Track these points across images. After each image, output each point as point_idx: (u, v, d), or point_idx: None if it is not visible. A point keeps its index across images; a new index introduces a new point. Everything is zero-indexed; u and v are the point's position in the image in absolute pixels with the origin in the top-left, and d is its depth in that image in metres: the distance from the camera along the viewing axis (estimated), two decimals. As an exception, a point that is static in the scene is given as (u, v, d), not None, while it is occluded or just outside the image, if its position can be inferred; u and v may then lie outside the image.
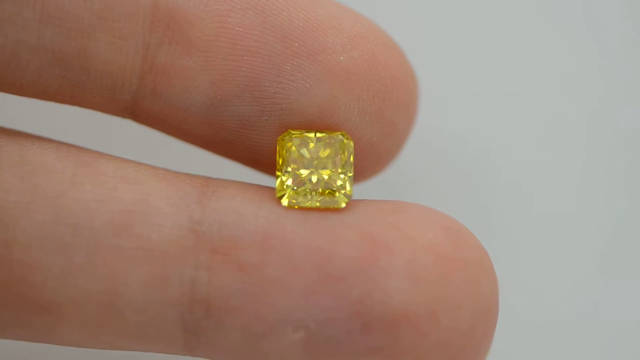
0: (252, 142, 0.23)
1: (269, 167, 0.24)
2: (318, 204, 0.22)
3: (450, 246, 0.22)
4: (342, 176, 0.22)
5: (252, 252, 0.22)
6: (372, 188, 0.26)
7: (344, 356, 0.22)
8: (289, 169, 0.22)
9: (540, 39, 0.32)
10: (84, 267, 0.22)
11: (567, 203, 0.31)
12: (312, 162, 0.22)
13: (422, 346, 0.22)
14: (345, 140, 0.22)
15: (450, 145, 0.31)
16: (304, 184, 0.22)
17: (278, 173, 0.23)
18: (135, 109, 0.23)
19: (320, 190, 0.22)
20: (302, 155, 0.22)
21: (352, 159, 0.23)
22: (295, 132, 0.23)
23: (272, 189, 0.23)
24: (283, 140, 0.22)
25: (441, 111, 0.30)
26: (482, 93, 0.31)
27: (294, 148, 0.22)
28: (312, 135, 0.22)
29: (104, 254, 0.22)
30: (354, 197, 0.23)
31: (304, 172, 0.22)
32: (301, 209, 0.22)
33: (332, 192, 0.22)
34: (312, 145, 0.22)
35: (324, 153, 0.22)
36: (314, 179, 0.22)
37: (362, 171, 0.24)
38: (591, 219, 0.31)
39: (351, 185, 0.22)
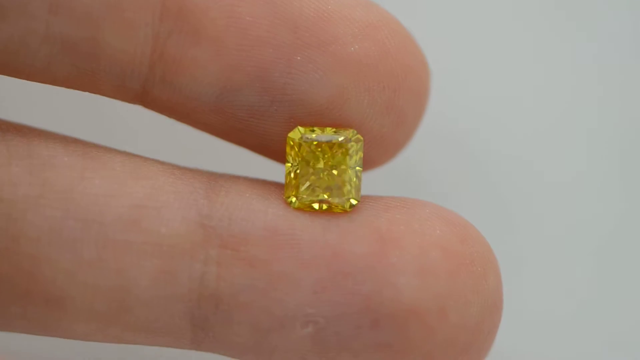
0: (261, 132, 0.23)
1: (279, 154, 0.23)
2: (326, 207, 0.22)
3: (457, 242, 0.22)
4: (350, 176, 0.22)
5: (261, 247, 0.22)
6: (378, 183, 0.26)
7: (353, 352, 0.22)
8: (297, 171, 0.22)
9: (551, 34, 0.32)
10: (93, 261, 0.22)
11: (574, 200, 0.31)
12: (320, 164, 0.22)
13: (430, 342, 0.22)
14: (354, 143, 0.22)
15: (454, 142, 0.31)
16: (312, 186, 0.22)
17: (287, 173, 0.22)
18: (145, 97, 0.23)
19: (327, 194, 0.22)
20: (311, 157, 0.22)
21: (361, 157, 0.23)
22: (305, 129, 0.22)
23: (281, 185, 0.23)
24: (292, 139, 0.22)
25: (448, 107, 0.30)
26: (488, 89, 0.31)
27: (302, 150, 0.22)
28: (321, 133, 0.22)
29: (113, 248, 0.22)
30: (362, 193, 0.23)
31: (312, 175, 0.22)
32: (309, 211, 0.22)
33: (341, 194, 0.22)
34: (320, 146, 0.22)
35: (333, 155, 0.22)
36: (323, 180, 0.22)
37: (370, 160, 0.24)
38: (595, 216, 0.31)
39: (359, 190, 0.22)
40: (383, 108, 0.23)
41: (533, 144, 0.31)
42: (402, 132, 0.24)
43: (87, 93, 0.23)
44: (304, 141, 0.22)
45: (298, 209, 0.22)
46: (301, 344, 0.22)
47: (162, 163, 0.23)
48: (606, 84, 0.31)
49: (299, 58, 0.22)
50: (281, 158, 0.23)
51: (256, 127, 0.23)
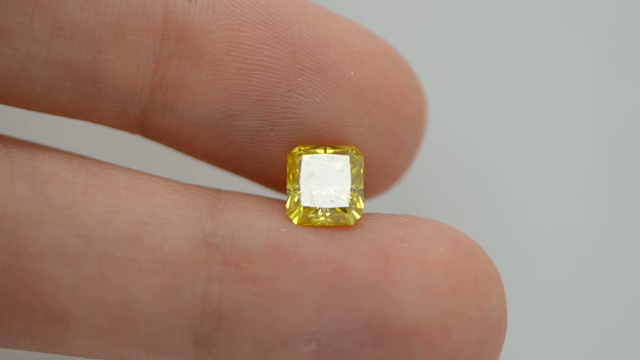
0: (261, 157, 0.23)
1: (279, 183, 0.24)
2: (329, 222, 0.22)
3: (460, 260, 0.22)
4: (352, 193, 0.22)
5: (264, 264, 0.22)
6: (380, 201, 0.26)
7: None
8: (300, 187, 0.22)
9: (545, 48, 0.32)
10: (96, 278, 0.22)
11: (575, 219, 0.31)
12: (321, 180, 0.22)
13: (433, 359, 0.22)
14: (355, 156, 0.22)
15: (457, 158, 0.31)
16: (315, 201, 0.22)
17: (289, 189, 0.23)
18: (145, 124, 0.23)
19: (330, 207, 0.22)
20: (313, 173, 0.22)
21: (362, 173, 0.23)
22: (305, 148, 0.23)
23: (283, 202, 0.23)
24: (293, 156, 0.22)
25: (448, 125, 0.30)
26: (488, 106, 0.31)
27: (304, 165, 0.22)
28: (321, 151, 0.22)
29: (116, 265, 0.22)
30: (364, 211, 0.23)
31: (314, 189, 0.22)
32: (312, 226, 0.22)
33: (343, 209, 0.22)
34: (321, 162, 0.22)
35: (334, 170, 0.22)
36: (325, 195, 0.22)
37: (371, 187, 0.24)
38: (597, 226, 0.31)
39: (361, 202, 0.22)
40: (383, 132, 0.23)
41: (535, 160, 0.31)
42: (401, 158, 0.24)
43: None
44: (305, 153, 0.22)
45: (301, 224, 0.22)
46: (304, 361, 0.22)
47: (165, 180, 0.23)
48: (606, 85, 0.31)
49: (298, 82, 0.22)
50: (281, 187, 0.24)
51: (256, 152, 0.23)
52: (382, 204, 0.26)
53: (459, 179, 0.31)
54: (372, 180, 0.24)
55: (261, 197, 0.23)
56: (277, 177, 0.24)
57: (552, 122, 0.31)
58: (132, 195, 0.22)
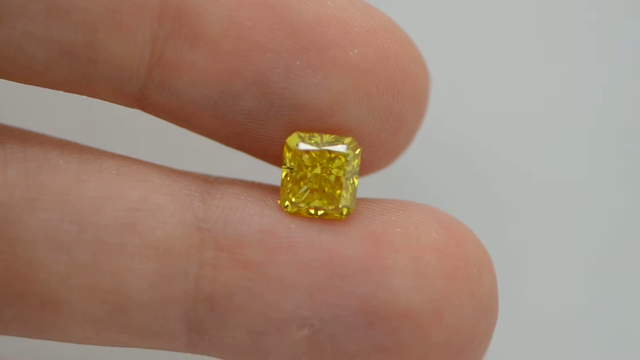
0: (260, 136, 0.23)
1: (278, 159, 0.23)
2: (321, 213, 0.22)
3: (453, 244, 0.22)
4: (346, 184, 0.22)
5: (256, 250, 0.22)
6: (373, 186, 0.26)
7: (348, 354, 0.22)
8: (293, 176, 0.22)
9: (547, 38, 0.32)
10: (88, 264, 0.22)
11: (572, 203, 0.31)
12: (317, 170, 0.22)
13: (425, 344, 0.22)
14: (351, 151, 0.22)
15: (452, 145, 0.31)
16: (307, 193, 0.22)
17: (284, 172, 0.22)
18: (143, 101, 0.23)
19: (322, 202, 0.22)
20: (308, 163, 0.22)
21: (358, 166, 0.23)
22: (303, 135, 0.22)
23: (276, 188, 0.23)
24: (289, 144, 0.22)
25: (445, 109, 0.30)
26: (487, 93, 0.31)
27: (298, 157, 0.22)
28: (318, 140, 0.22)
29: (109, 251, 0.22)
30: (358, 196, 0.23)
31: (308, 182, 0.22)
32: (304, 216, 0.22)
33: (336, 203, 0.22)
34: (317, 154, 0.22)
35: (330, 162, 0.22)
36: (318, 187, 0.22)
37: (369, 165, 0.24)
38: (594, 221, 0.31)
39: (354, 198, 0.22)
40: (382, 113, 0.23)
41: (532, 148, 0.31)
42: (401, 137, 0.23)
43: (84, 96, 0.23)
44: (301, 143, 0.22)
45: (292, 214, 0.22)
46: (297, 346, 0.22)
47: (158, 166, 0.23)
48: (605, 86, 0.31)
49: (297, 62, 0.22)
50: (280, 162, 0.23)
51: (255, 132, 0.23)
52: (376, 189, 0.26)
53: (455, 165, 0.31)
54: (371, 157, 0.24)
55: (254, 183, 0.23)
56: (276, 153, 0.23)
57: (553, 107, 0.31)
58: (125, 181, 0.22)
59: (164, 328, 0.22)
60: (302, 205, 0.22)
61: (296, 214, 0.22)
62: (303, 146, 0.22)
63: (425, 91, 0.24)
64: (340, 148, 0.22)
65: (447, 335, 0.22)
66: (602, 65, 0.31)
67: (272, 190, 0.23)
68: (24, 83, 0.22)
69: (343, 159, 0.22)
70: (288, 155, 0.22)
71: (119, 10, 0.22)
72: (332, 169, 0.22)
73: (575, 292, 0.30)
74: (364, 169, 0.24)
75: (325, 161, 0.22)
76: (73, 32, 0.22)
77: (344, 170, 0.22)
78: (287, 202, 0.22)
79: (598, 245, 0.31)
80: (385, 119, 0.23)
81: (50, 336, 0.22)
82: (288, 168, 0.22)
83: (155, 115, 0.23)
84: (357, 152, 0.22)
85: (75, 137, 0.23)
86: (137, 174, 0.22)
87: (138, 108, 0.23)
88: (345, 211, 0.22)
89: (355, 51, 0.22)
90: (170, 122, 0.23)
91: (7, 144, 0.22)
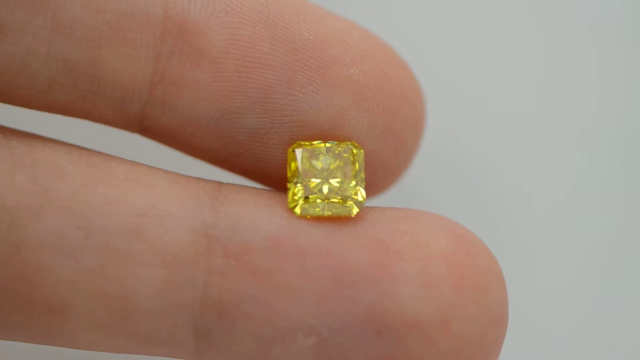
0: (261, 155, 0.23)
1: (278, 180, 0.24)
2: (329, 213, 0.22)
3: (462, 254, 0.22)
4: (353, 184, 0.22)
5: (265, 257, 0.22)
6: (381, 198, 0.26)
7: None
8: (300, 180, 0.22)
9: (543, 46, 0.32)
10: (95, 270, 0.21)
11: (575, 212, 0.31)
12: (322, 173, 0.22)
13: (433, 354, 0.22)
14: (355, 150, 0.22)
15: (457, 152, 0.31)
16: (315, 194, 0.22)
17: (289, 184, 0.22)
18: (145, 121, 0.23)
19: (331, 199, 0.22)
20: (313, 166, 0.22)
21: (362, 167, 0.23)
22: (305, 143, 0.23)
23: (284, 195, 0.23)
24: (293, 151, 0.22)
25: (447, 120, 0.30)
26: (487, 102, 0.31)
27: (304, 159, 0.22)
28: (322, 145, 0.22)
29: (116, 257, 0.22)
30: (366, 205, 0.23)
31: (315, 182, 0.22)
32: (313, 218, 0.22)
33: (344, 200, 0.22)
34: (322, 156, 0.22)
35: (335, 163, 0.22)
36: (325, 188, 0.22)
37: (371, 186, 0.24)
38: (596, 224, 0.31)
39: (363, 193, 0.22)
40: (382, 131, 0.23)
41: (533, 158, 0.31)
42: (401, 157, 0.24)
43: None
44: (305, 148, 0.22)
45: (302, 217, 0.22)
46: (304, 354, 0.22)
47: (166, 172, 0.23)
48: (605, 87, 0.31)
49: (298, 79, 0.22)
50: (281, 185, 0.23)
51: (256, 150, 0.23)
52: (383, 200, 0.26)
53: (459, 178, 0.31)
54: (372, 178, 0.24)
55: (262, 190, 0.23)
56: (277, 175, 0.23)
57: (553, 120, 0.31)
58: (133, 187, 0.22)
59: (171, 335, 0.22)
60: (310, 208, 0.22)
61: (305, 217, 0.22)
62: (307, 150, 0.22)
63: (421, 113, 0.24)
64: (344, 148, 0.22)
65: (455, 345, 0.22)
66: (602, 70, 0.31)
67: (281, 197, 0.23)
68: (26, 107, 0.23)
69: (347, 157, 0.22)
70: (291, 162, 0.22)
71: (122, 27, 0.22)
72: (338, 169, 0.22)
73: (577, 296, 0.30)
74: (367, 191, 0.24)
75: (330, 163, 0.22)
76: (77, 48, 0.22)
77: (350, 168, 0.22)
78: (297, 209, 0.22)
79: (600, 251, 0.31)
80: (385, 137, 0.23)
81: (56, 342, 0.22)
82: (293, 178, 0.22)
83: (155, 139, 0.24)
84: (360, 150, 0.22)
85: (83, 142, 0.23)
86: (145, 179, 0.22)
87: (138, 132, 0.23)
88: (354, 209, 0.22)
89: (356, 69, 0.23)
90: (171, 146, 0.24)
91: (15, 148, 0.22)
